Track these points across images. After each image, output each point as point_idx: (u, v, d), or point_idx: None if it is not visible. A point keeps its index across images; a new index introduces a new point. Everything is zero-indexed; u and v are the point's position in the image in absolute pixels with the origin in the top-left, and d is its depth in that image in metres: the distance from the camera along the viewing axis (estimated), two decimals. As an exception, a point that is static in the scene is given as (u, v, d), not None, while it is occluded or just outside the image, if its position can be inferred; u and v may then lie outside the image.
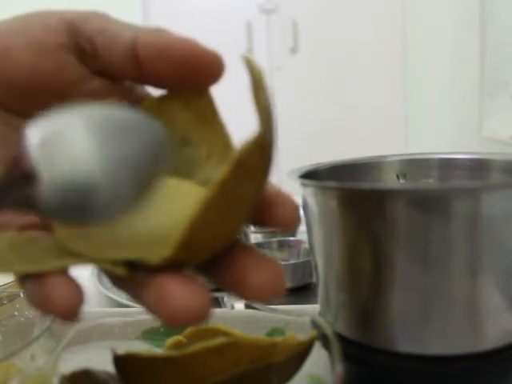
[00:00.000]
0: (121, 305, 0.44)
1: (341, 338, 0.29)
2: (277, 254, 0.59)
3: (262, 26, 2.35)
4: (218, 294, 0.34)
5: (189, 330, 0.30)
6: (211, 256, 0.18)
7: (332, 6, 2.34)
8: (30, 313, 0.32)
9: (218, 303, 0.36)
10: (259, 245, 0.60)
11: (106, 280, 0.48)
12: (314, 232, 0.32)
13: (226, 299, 0.36)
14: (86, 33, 0.20)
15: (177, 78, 0.20)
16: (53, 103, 0.20)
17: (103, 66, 0.20)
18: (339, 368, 0.24)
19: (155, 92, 0.22)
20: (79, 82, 0.20)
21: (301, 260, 0.56)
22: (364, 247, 0.28)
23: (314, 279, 0.34)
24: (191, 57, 0.19)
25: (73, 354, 0.28)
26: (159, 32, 0.20)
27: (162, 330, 0.31)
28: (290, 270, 0.52)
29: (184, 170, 0.21)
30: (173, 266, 0.18)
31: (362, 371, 0.30)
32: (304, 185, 0.31)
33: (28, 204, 0.17)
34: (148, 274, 0.18)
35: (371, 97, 2.38)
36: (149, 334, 0.31)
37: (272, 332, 0.31)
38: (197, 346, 0.24)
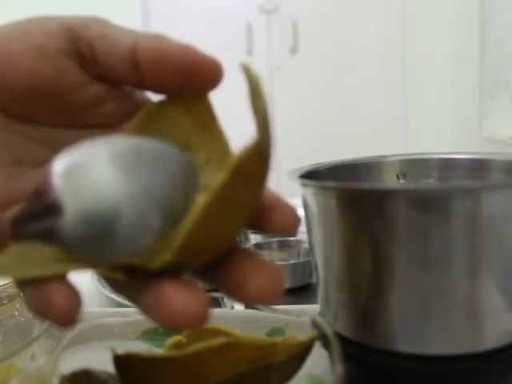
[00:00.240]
0: (121, 305, 0.44)
1: (341, 338, 0.29)
2: (277, 254, 0.59)
3: (262, 26, 2.34)
4: (217, 294, 0.34)
5: (189, 330, 0.30)
6: (210, 260, 0.19)
7: (332, 6, 2.34)
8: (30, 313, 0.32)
9: (217, 303, 0.36)
10: (259, 245, 0.60)
11: (104, 280, 0.48)
12: (314, 232, 0.32)
13: (225, 299, 0.36)
14: (85, 38, 0.20)
15: (176, 84, 0.20)
16: (53, 108, 0.20)
17: (103, 71, 0.20)
18: (339, 368, 0.24)
19: (155, 97, 0.22)
20: (79, 87, 0.20)
21: (301, 260, 0.56)
22: (364, 247, 0.28)
23: (314, 279, 0.34)
24: (190, 63, 0.19)
25: (73, 354, 0.28)
26: (159, 38, 0.20)
27: (161, 330, 0.31)
28: (290, 270, 0.52)
29: None
30: (172, 270, 0.18)
31: (362, 371, 0.30)
32: (304, 185, 0.31)
33: (50, 236, 0.17)
34: (147, 279, 0.18)
35: (371, 97, 2.38)
36: (149, 334, 0.31)
37: (272, 332, 0.31)
38: (197, 346, 0.24)
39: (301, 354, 0.27)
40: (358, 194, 0.28)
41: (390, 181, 0.39)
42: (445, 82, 2.34)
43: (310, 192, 0.31)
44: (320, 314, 0.33)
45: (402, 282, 0.27)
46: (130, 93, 0.22)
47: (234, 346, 0.24)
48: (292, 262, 0.57)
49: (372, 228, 0.27)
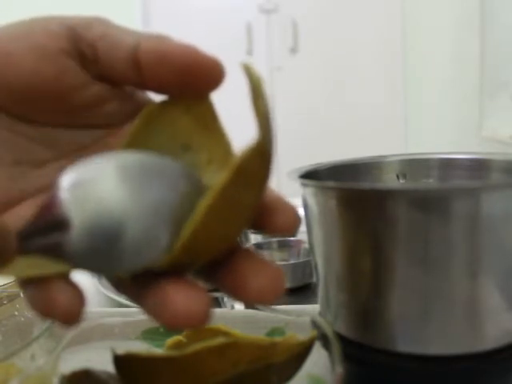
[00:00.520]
0: (121, 305, 0.44)
1: (341, 338, 0.29)
2: (277, 254, 0.59)
3: (262, 26, 2.34)
4: (217, 294, 0.34)
5: (189, 330, 0.30)
6: (212, 260, 0.19)
7: (332, 6, 2.34)
8: (30, 313, 0.32)
9: (217, 303, 0.36)
10: (259, 245, 0.60)
11: (105, 280, 0.48)
12: (314, 232, 0.32)
13: (225, 299, 0.36)
14: (87, 38, 0.20)
15: (177, 84, 0.20)
16: (54, 108, 0.20)
17: (104, 72, 0.20)
18: (339, 368, 0.24)
19: (156, 97, 0.22)
20: (80, 87, 0.20)
21: (301, 260, 0.56)
22: (364, 247, 0.28)
23: (314, 279, 0.34)
24: (192, 63, 0.19)
25: (73, 353, 0.28)
26: (160, 38, 0.20)
27: (161, 330, 0.31)
28: (290, 270, 0.52)
29: None
30: (174, 270, 0.18)
31: (362, 371, 0.30)
32: (304, 185, 0.31)
33: (56, 251, 0.17)
34: (149, 279, 0.18)
35: (371, 97, 2.38)
36: (149, 334, 0.31)
37: (272, 332, 0.31)
38: (197, 346, 0.24)
39: (301, 354, 0.27)
40: (357, 194, 0.28)
41: (390, 181, 0.39)
42: (445, 81, 2.34)
43: (309, 192, 0.31)
44: (320, 314, 0.33)
45: (402, 282, 0.27)
46: (132, 93, 0.22)
47: (234, 346, 0.24)
48: (292, 261, 0.57)
49: (372, 228, 0.27)
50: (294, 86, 2.37)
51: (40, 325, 0.29)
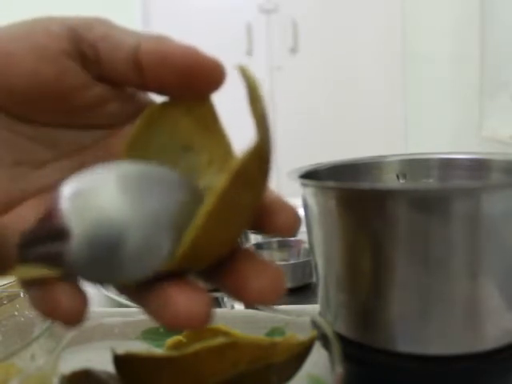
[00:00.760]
0: (121, 305, 0.44)
1: (341, 338, 0.29)
2: (277, 254, 0.59)
3: (262, 26, 2.34)
4: (217, 294, 0.34)
5: (189, 331, 0.30)
6: (213, 262, 0.19)
7: (332, 6, 2.34)
8: (30, 313, 0.32)
9: (218, 303, 0.36)
10: (259, 245, 0.60)
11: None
12: (314, 232, 0.32)
13: (225, 299, 0.36)
14: (88, 39, 0.20)
15: (178, 85, 0.20)
16: (55, 108, 0.20)
17: (105, 72, 0.20)
18: (339, 368, 0.24)
19: (158, 98, 0.22)
20: (81, 88, 0.20)
21: (301, 260, 0.56)
22: (364, 247, 0.28)
23: (314, 279, 0.34)
24: (192, 64, 0.19)
25: (73, 353, 0.28)
26: (161, 39, 0.20)
27: (161, 330, 0.31)
28: (290, 270, 0.52)
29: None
30: (175, 273, 0.18)
31: (362, 371, 0.30)
32: (304, 185, 0.31)
33: (56, 261, 0.17)
34: (150, 281, 0.18)
35: (371, 97, 2.38)
36: (149, 334, 0.31)
37: (272, 332, 0.31)
38: (197, 346, 0.24)
39: (301, 354, 0.27)
40: (357, 194, 0.28)
41: (390, 181, 0.39)
42: (445, 81, 2.34)
43: (309, 192, 0.31)
44: (320, 314, 0.33)
45: (402, 282, 0.27)
46: (133, 94, 0.22)
47: (233, 346, 0.24)
48: (292, 262, 0.57)
49: (372, 228, 0.27)
50: (294, 86, 2.37)
51: (40, 325, 0.29)
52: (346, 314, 0.30)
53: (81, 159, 0.22)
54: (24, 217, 0.20)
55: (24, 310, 0.32)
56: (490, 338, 0.28)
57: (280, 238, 0.60)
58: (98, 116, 0.21)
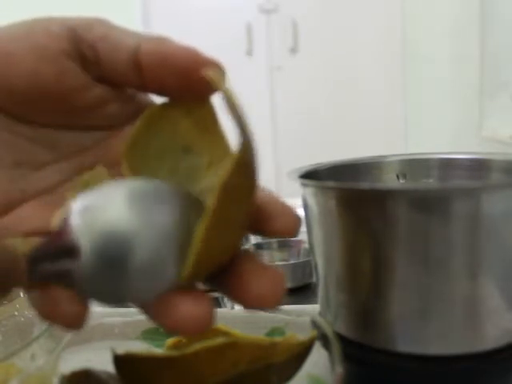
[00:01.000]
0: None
1: (341, 338, 0.29)
2: (277, 254, 0.59)
3: (262, 26, 2.34)
4: (217, 294, 0.34)
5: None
6: (215, 270, 0.19)
7: (332, 6, 2.33)
8: (30, 313, 0.32)
9: (218, 303, 0.36)
10: (259, 245, 0.60)
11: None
12: (314, 232, 0.32)
13: (225, 299, 0.36)
14: (88, 39, 0.20)
15: (178, 87, 0.20)
16: (54, 109, 0.20)
17: (105, 73, 0.20)
18: (339, 368, 0.24)
19: (158, 99, 0.22)
20: (81, 89, 0.20)
21: (301, 260, 0.56)
22: (364, 247, 0.28)
23: (314, 279, 0.34)
24: (192, 66, 0.19)
25: (73, 353, 0.28)
26: (161, 40, 0.20)
27: (161, 330, 0.31)
28: (290, 270, 0.52)
29: (185, 178, 0.21)
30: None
31: (362, 371, 0.30)
32: (304, 185, 0.31)
33: (66, 278, 0.17)
34: None
35: (371, 97, 2.38)
36: (149, 334, 0.31)
37: (272, 332, 0.31)
38: (197, 346, 0.24)
39: (301, 354, 0.27)
40: (357, 194, 0.28)
41: (390, 181, 0.39)
42: (445, 81, 2.34)
43: (309, 192, 0.31)
44: (320, 314, 0.33)
45: (402, 282, 0.27)
46: (133, 95, 0.22)
47: (234, 346, 0.24)
48: (292, 261, 0.57)
49: (372, 228, 0.27)
50: (294, 86, 2.37)
51: (40, 325, 0.29)
52: (346, 313, 0.30)
53: (81, 160, 0.22)
54: (24, 218, 0.20)
55: (24, 310, 0.32)
56: (490, 338, 0.28)
57: (280, 238, 0.60)
58: (98, 117, 0.21)
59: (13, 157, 0.21)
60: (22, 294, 0.33)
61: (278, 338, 0.27)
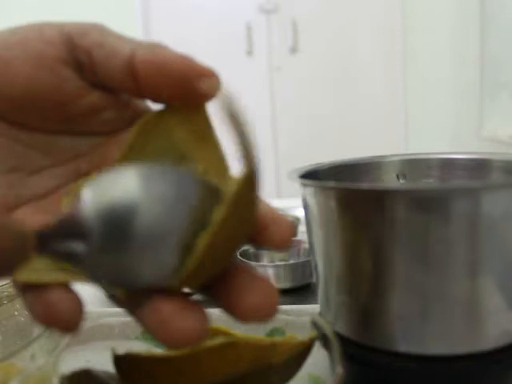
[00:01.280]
0: (121, 305, 0.44)
1: (341, 338, 0.29)
2: (277, 254, 0.59)
3: (262, 26, 2.34)
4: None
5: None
6: (209, 279, 0.19)
7: (332, 5, 2.33)
8: (30, 313, 0.32)
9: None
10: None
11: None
12: (313, 232, 0.32)
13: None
14: (83, 46, 0.20)
15: (174, 94, 0.20)
16: (51, 115, 0.20)
17: (101, 80, 0.20)
18: (339, 368, 0.24)
19: (154, 105, 0.22)
20: (77, 95, 0.20)
21: (301, 260, 0.55)
22: (364, 247, 0.28)
23: (314, 279, 0.34)
24: (188, 74, 0.19)
25: (73, 353, 0.28)
26: (157, 47, 0.20)
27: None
28: (290, 270, 0.52)
29: None
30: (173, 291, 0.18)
31: (362, 371, 0.30)
32: (304, 185, 0.31)
33: (74, 259, 0.17)
34: (146, 296, 0.18)
35: (371, 97, 2.38)
36: (149, 334, 0.31)
37: (272, 332, 0.31)
38: (196, 346, 0.24)
39: (301, 353, 0.27)
40: (357, 194, 0.28)
41: (390, 181, 0.39)
42: (445, 81, 2.34)
43: (309, 192, 0.31)
44: (320, 314, 0.33)
45: (402, 282, 0.27)
46: (129, 101, 0.22)
47: (234, 346, 0.24)
48: (292, 261, 0.57)
49: (372, 228, 0.27)
50: (294, 86, 2.37)
51: (40, 325, 0.29)
52: (346, 314, 0.30)
53: (77, 165, 0.22)
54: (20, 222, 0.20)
55: (24, 310, 0.32)
56: (490, 337, 0.28)
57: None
58: (94, 123, 0.21)
59: (10, 162, 0.21)
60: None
61: (278, 338, 0.27)
